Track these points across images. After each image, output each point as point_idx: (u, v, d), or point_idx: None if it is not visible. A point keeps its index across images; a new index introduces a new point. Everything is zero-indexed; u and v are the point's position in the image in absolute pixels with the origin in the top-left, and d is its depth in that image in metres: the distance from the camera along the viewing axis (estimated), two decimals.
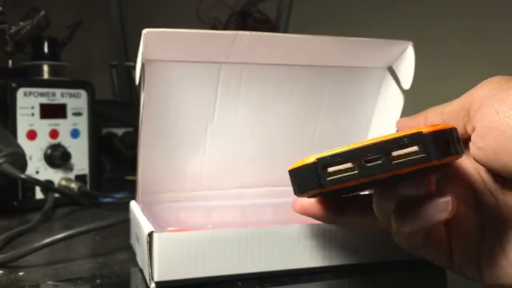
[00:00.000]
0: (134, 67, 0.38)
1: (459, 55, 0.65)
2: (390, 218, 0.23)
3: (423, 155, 0.20)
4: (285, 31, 0.88)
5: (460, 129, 0.24)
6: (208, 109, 0.39)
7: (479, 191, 0.25)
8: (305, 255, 0.31)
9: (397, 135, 0.20)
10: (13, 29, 0.64)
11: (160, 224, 0.33)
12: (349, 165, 0.21)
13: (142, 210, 0.34)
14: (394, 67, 0.41)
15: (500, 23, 0.63)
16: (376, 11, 0.77)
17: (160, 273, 0.28)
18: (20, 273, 0.32)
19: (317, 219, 0.29)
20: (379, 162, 0.20)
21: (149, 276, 0.29)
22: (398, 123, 0.30)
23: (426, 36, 0.63)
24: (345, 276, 0.32)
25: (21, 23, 0.65)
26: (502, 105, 0.22)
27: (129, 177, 0.70)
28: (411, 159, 0.20)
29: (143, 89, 0.35)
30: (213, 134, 0.40)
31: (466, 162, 0.26)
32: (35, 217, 0.46)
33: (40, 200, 0.53)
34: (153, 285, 0.29)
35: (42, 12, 0.66)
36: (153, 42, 0.33)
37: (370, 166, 0.20)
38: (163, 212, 0.39)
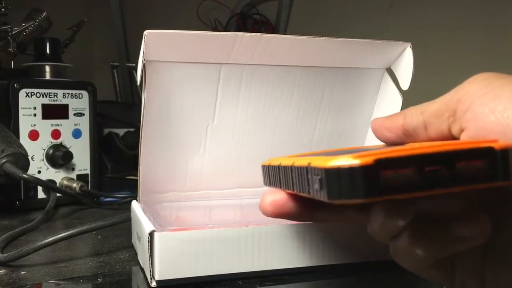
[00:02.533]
0: (135, 68, 0.39)
1: (458, 56, 0.65)
2: (391, 235, 0.20)
3: (492, 173, 0.17)
4: (284, 32, 0.88)
5: (443, 131, 0.23)
6: (209, 109, 0.39)
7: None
8: (305, 254, 0.31)
9: (465, 146, 0.18)
10: (16, 30, 0.65)
11: (161, 223, 0.33)
12: (409, 173, 0.17)
13: (143, 210, 0.35)
14: (393, 68, 0.41)
15: (500, 23, 0.63)
16: (375, 12, 0.77)
17: (161, 272, 0.29)
18: (22, 272, 0.32)
19: (290, 218, 0.25)
20: (445, 173, 0.17)
21: (150, 275, 0.29)
22: (373, 122, 0.27)
23: (424, 37, 0.64)
24: (345, 275, 0.32)
25: (23, 24, 0.66)
26: (499, 103, 0.20)
27: (130, 177, 0.71)
28: (476, 176, 0.17)
29: (144, 89, 0.35)
30: (214, 134, 0.40)
31: None
32: (37, 216, 0.46)
33: (42, 200, 0.53)
34: (154, 283, 0.29)
35: (44, 13, 0.66)
36: (154, 43, 0.34)
37: (430, 177, 0.17)
38: (164, 211, 0.39)
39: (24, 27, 0.65)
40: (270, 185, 0.26)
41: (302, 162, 0.20)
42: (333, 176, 0.18)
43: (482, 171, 0.18)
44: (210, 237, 0.29)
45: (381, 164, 0.17)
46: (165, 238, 0.29)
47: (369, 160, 0.17)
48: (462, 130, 0.22)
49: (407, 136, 0.24)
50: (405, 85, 0.39)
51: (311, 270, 0.31)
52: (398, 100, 0.41)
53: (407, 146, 0.18)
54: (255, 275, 0.30)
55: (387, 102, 0.42)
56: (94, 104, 0.58)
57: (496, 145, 0.18)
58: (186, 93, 0.38)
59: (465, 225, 0.19)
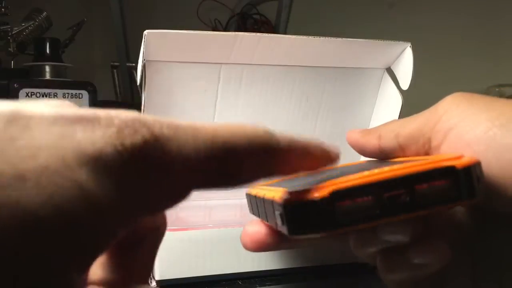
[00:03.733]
0: (135, 68, 0.39)
1: (458, 56, 0.65)
2: (373, 258, 0.20)
3: (455, 193, 0.16)
4: (284, 33, 0.88)
5: (421, 153, 0.22)
6: (209, 109, 0.39)
7: (465, 230, 0.22)
8: (305, 254, 0.31)
9: (425, 167, 0.17)
10: (16, 30, 0.65)
11: None
12: (368, 202, 0.16)
13: None
14: (393, 68, 0.41)
15: (500, 23, 0.63)
16: (375, 12, 0.77)
17: (161, 272, 0.29)
18: None
19: (272, 249, 0.24)
20: (406, 199, 0.16)
21: (150, 275, 0.29)
22: (348, 136, 0.26)
23: (424, 37, 0.64)
24: (345, 275, 0.32)
25: (23, 24, 0.66)
26: (472, 136, 0.19)
27: None
28: (438, 199, 0.16)
29: (145, 89, 0.35)
30: None
31: None
32: None
33: None
34: (154, 283, 0.29)
35: (44, 13, 0.66)
36: (154, 43, 0.34)
37: (393, 204, 0.16)
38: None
39: (24, 27, 0.65)
40: (253, 213, 0.25)
41: (272, 193, 0.19)
42: (290, 211, 0.17)
43: (445, 192, 0.16)
44: (210, 237, 0.29)
45: (337, 196, 0.16)
46: (165, 238, 0.29)
47: (324, 192, 0.16)
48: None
49: (384, 155, 0.24)
50: (405, 85, 0.40)
51: (311, 271, 0.31)
52: (398, 100, 0.41)
53: (365, 172, 0.17)
54: (255, 275, 0.30)
55: (387, 102, 0.42)
56: (94, 104, 0.58)
57: (457, 164, 0.17)
58: (186, 93, 0.38)
59: (421, 252, 0.18)
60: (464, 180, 0.16)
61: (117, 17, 0.79)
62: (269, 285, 0.30)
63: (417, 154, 0.22)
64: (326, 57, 0.40)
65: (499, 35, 0.62)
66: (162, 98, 0.38)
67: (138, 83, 0.36)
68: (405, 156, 0.23)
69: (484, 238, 0.21)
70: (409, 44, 0.39)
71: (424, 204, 0.16)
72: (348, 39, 0.37)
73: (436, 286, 0.22)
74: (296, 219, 0.17)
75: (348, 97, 0.43)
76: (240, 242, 0.24)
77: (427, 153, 0.22)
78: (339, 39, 0.37)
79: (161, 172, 0.12)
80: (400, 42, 0.38)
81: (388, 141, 0.23)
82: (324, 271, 0.32)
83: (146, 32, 0.33)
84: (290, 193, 0.17)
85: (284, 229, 0.17)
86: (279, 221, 0.18)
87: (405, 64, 0.39)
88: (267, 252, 0.30)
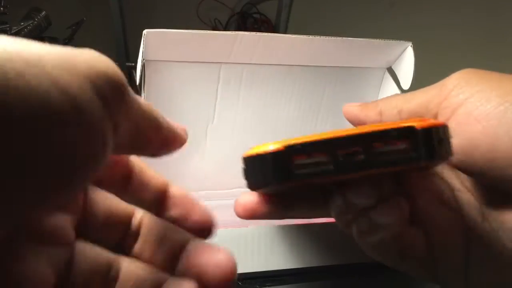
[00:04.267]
0: (134, 68, 0.38)
1: (459, 55, 0.65)
2: (348, 228, 0.21)
3: (413, 154, 0.17)
4: (284, 32, 0.88)
5: None
6: (209, 109, 0.39)
7: (464, 207, 0.22)
8: (306, 254, 0.31)
9: (384, 127, 0.17)
10: (14, 29, 0.65)
11: None
12: (322, 158, 0.17)
13: None
14: (394, 68, 0.41)
15: (502, 22, 0.63)
16: (376, 11, 0.77)
17: None
18: None
19: (263, 218, 0.25)
20: (360, 157, 0.17)
21: None
22: (345, 110, 0.25)
23: (425, 36, 0.64)
24: (345, 275, 0.32)
25: (22, 24, 0.65)
26: (483, 111, 0.19)
27: None
28: (399, 158, 0.17)
29: (144, 89, 0.35)
30: (213, 134, 0.40)
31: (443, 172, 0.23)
32: None
33: None
34: None
35: (43, 13, 0.66)
36: (154, 42, 0.34)
37: (347, 161, 0.17)
38: None
39: (23, 26, 0.65)
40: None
41: (249, 152, 0.19)
42: (248, 164, 0.18)
43: (402, 152, 0.17)
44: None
45: (292, 150, 0.17)
46: None
47: (280, 146, 0.17)
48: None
49: None
50: (406, 85, 0.39)
51: (311, 271, 0.31)
52: None
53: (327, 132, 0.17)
54: (255, 276, 0.30)
55: None
56: None
57: (417, 125, 0.17)
58: (185, 93, 0.38)
59: (381, 213, 0.19)
60: (422, 141, 0.17)
61: (117, 16, 0.78)
62: (269, 285, 0.30)
63: None
64: (327, 57, 0.40)
65: (501, 34, 0.62)
66: (162, 97, 0.37)
67: (137, 83, 0.36)
68: None
69: (487, 223, 0.21)
70: (410, 44, 0.39)
71: (380, 163, 0.17)
72: (349, 38, 0.37)
73: (427, 266, 0.22)
74: (254, 171, 0.18)
75: (349, 96, 0.43)
76: (234, 211, 0.25)
77: None
78: (340, 38, 0.37)
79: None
80: (401, 41, 0.38)
81: (390, 117, 0.22)
82: (324, 272, 0.31)
83: (145, 31, 0.33)
84: (251, 148, 0.18)
85: (247, 184, 0.19)
86: (243, 176, 0.19)
87: (406, 63, 0.39)
88: (267, 253, 0.30)
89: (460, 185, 0.22)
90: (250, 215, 0.24)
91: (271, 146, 0.17)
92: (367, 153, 0.17)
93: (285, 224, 0.31)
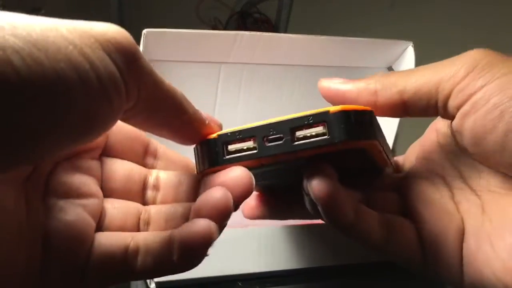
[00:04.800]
0: None
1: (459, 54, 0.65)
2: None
3: (326, 137, 0.18)
4: (285, 31, 0.88)
5: (429, 112, 0.21)
6: (208, 109, 0.39)
7: (457, 188, 0.22)
8: (305, 255, 0.31)
9: (303, 113, 0.19)
10: None
11: None
12: (250, 143, 0.19)
13: None
14: (394, 67, 0.41)
15: (500, 23, 0.63)
16: (376, 11, 0.77)
17: None
18: None
19: (265, 218, 0.27)
20: (280, 142, 0.19)
21: None
22: (322, 84, 0.23)
23: (426, 36, 0.63)
24: (346, 275, 0.32)
25: None
26: (504, 97, 0.18)
27: None
28: (313, 141, 0.18)
29: None
30: None
31: (440, 158, 0.23)
32: None
33: None
34: (153, 285, 0.29)
35: (43, 12, 0.66)
36: (153, 42, 0.33)
37: (270, 145, 0.19)
38: None
39: None
40: None
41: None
42: (196, 151, 0.21)
43: (321, 135, 0.18)
44: None
45: (224, 137, 0.20)
46: None
47: (214, 134, 0.20)
48: (457, 110, 0.20)
49: (378, 108, 0.22)
50: None
51: (311, 271, 0.31)
52: None
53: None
54: (254, 277, 0.30)
55: None
56: None
57: (331, 109, 0.18)
58: (185, 92, 0.38)
59: (307, 184, 0.20)
60: (336, 123, 0.18)
61: (116, 16, 0.78)
62: (269, 286, 0.30)
63: (425, 113, 0.21)
64: (327, 56, 0.39)
65: (502, 34, 0.62)
66: None
67: None
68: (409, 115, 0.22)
69: (478, 201, 0.21)
70: (411, 43, 0.39)
71: (299, 146, 0.18)
72: (349, 38, 0.37)
73: (411, 239, 0.22)
74: (199, 158, 0.21)
75: None
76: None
77: (438, 112, 0.21)
78: (340, 38, 0.37)
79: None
80: (402, 41, 0.38)
81: (387, 97, 0.21)
82: (324, 272, 0.31)
83: (145, 31, 0.33)
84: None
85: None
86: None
87: (406, 63, 0.39)
88: (267, 254, 0.30)
89: (462, 184, 0.22)
90: (252, 215, 0.25)
91: (210, 136, 0.20)
92: (287, 138, 0.19)
93: (286, 225, 0.30)
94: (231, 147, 0.20)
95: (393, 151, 0.42)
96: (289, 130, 0.19)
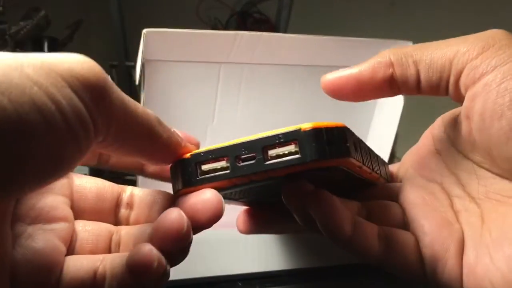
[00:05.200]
0: (134, 67, 0.38)
1: None
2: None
3: (298, 155, 0.17)
4: (285, 31, 0.88)
5: (441, 88, 0.20)
6: (208, 109, 0.39)
7: (455, 196, 0.22)
8: (305, 255, 0.31)
9: (274, 132, 0.18)
10: (13, 29, 0.65)
11: None
12: (223, 163, 0.19)
13: None
14: None
15: (502, 22, 0.63)
16: (376, 11, 0.77)
17: None
18: None
19: (261, 232, 0.26)
20: (252, 161, 0.18)
21: None
22: (329, 78, 0.23)
23: (426, 36, 0.63)
24: (346, 276, 0.32)
25: (21, 23, 0.65)
26: None
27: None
28: (285, 160, 0.18)
29: (143, 89, 0.35)
30: (213, 134, 0.40)
31: (438, 165, 0.22)
32: None
33: None
34: None
35: (42, 12, 0.66)
36: (153, 42, 0.33)
37: (243, 165, 0.18)
38: None
39: (22, 26, 0.65)
40: None
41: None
42: (172, 170, 0.20)
43: (293, 154, 0.18)
44: (210, 238, 0.29)
45: (196, 157, 0.19)
46: None
47: (187, 155, 0.19)
48: (466, 90, 0.19)
49: (391, 87, 0.21)
50: None
51: (311, 271, 0.31)
52: (399, 99, 0.40)
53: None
54: (254, 276, 0.30)
55: (388, 101, 0.42)
56: None
57: (303, 127, 0.18)
58: (185, 92, 0.38)
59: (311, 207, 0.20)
60: (307, 141, 0.17)
61: (116, 16, 0.78)
62: (269, 286, 0.30)
63: (437, 90, 0.20)
64: (327, 56, 0.39)
65: None
66: (161, 97, 0.37)
67: (137, 83, 0.36)
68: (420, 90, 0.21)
69: (477, 209, 0.21)
70: (411, 43, 0.38)
71: (271, 166, 0.18)
72: (349, 38, 0.37)
73: (411, 249, 0.22)
74: (173, 178, 0.20)
75: None
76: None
77: (448, 92, 0.20)
78: (340, 38, 0.37)
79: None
80: (402, 41, 0.38)
81: (403, 69, 0.20)
82: (324, 272, 0.31)
83: (145, 31, 0.33)
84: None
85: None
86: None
87: None
88: (267, 254, 0.30)
89: (461, 191, 0.22)
90: (246, 230, 0.25)
91: (183, 156, 0.19)
92: (259, 157, 0.18)
93: None
94: (205, 167, 0.19)
95: (393, 152, 0.42)
96: (261, 149, 0.18)
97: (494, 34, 0.19)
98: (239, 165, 0.18)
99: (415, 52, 0.21)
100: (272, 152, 0.18)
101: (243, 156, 0.18)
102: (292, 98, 0.41)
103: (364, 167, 0.21)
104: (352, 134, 0.19)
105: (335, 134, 0.18)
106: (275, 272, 0.31)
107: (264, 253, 0.30)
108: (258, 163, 0.18)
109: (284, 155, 0.18)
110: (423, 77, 0.21)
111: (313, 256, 0.31)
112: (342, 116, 0.43)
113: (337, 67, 0.41)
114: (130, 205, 0.21)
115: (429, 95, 0.21)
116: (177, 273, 0.29)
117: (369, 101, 0.46)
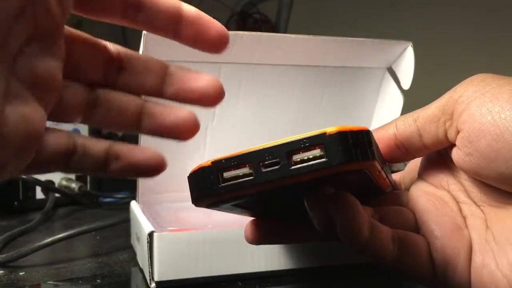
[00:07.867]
0: None
1: (459, 55, 0.65)
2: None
3: (324, 159, 0.17)
4: (284, 32, 0.88)
5: (439, 137, 0.22)
6: (208, 109, 0.39)
7: (462, 202, 0.23)
8: (305, 255, 0.31)
9: (299, 136, 0.18)
10: None
11: (160, 224, 0.33)
12: (246, 170, 0.18)
13: (143, 210, 0.35)
14: (394, 67, 0.41)
15: (501, 21, 0.63)
16: (376, 11, 0.77)
17: (160, 273, 0.28)
18: (21, 273, 0.32)
19: (271, 243, 0.27)
20: (277, 167, 0.18)
21: (150, 276, 0.29)
22: None
23: (425, 36, 0.63)
24: (346, 276, 0.32)
25: None
26: (496, 104, 0.20)
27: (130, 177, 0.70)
28: (311, 164, 0.17)
29: None
30: (213, 134, 0.40)
31: (444, 173, 0.24)
32: (36, 217, 0.46)
33: (40, 200, 0.53)
34: (153, 285, 0.29)
35: None
36: (153, 42, 0.33)
37: (267, 171, 0.18)
38: (164, 212, 0.39)
39: None
40: None
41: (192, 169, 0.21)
42: (190, 181, 0.20)
43: (318, 158, 0.17)
44: (210, 238, 0.29)
45: (218, 165, 0.19)
46: (165, 238, 0.28)
47: (208, 162, 0.19)
48: (457, 133, 0.22)
49: (399, 148, 0.24)
50: (406, 85, 0.39)
51: (311, 271, 0.31)
52: (399, 99, 0.40)
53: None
54: (254, 276, 0.30)
55: (388, 101, 0.42)
56: None
57: (328, 130, 0.17)
58: None
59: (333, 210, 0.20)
60: (333, 145, 0.17)
61: None
62: (269, 286, 0.30)
63: (435, 139, 0.23)
64: (327, 57, 0.39)
65: (503, 34, 0.62)
66: None
67: None
68: (424, 144, 0.23)
69: (482, 215, 0.22)
70: (410, 43, 0.39)
71: (296, 171, 0.18)
72: (349, 38, 0.37)
73: (423, 252, 0.22)
74: (194, 188, 0.20)
75: (349, 96, 0.42)
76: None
77: (446, 134, 0.22)
78: (340, 38, 0.37)
79: None
80: (401, 41, 0.38)
81: (405, 127, 0.23)
82: (324, 272, 0.31)
83: (145, 31, 0.33)
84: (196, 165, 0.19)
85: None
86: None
87: (406, 63, 0.39)
88: (267, 253, 0.30)
89: (466, 198, 0.23)
90: (255, 240, 0.25)
91: (203, 164, 0.19)
92: (284, 162, 0.18)
93: None
94: (227, 175, 0.19)
95: None
96: (286, 154, 0.18)
97: (473, 77, 0.22)
98: (263, 171, 0.18)
99: (416, 112, 0.23)
100: (296, 157, 0.18)
101: (267, 162, 0.18)
102: (292, 98, 0.41)
103: (382, 172, 0.21)
104: (374, 138, 0.19)
105: (360, 137, 0.18)
106: (275, 272, 0.31)
107: (264, 253, 0.30)
108: (283, 168, 0.18)
109: (309, 159, 0.18)
110: (422, 131, 0.23)
111: (313, 256, 0.31)
112: (342, 116, 0.43)
113: (337, 68, 0.41)
114: (119, 67, 0.21)
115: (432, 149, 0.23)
116: (177, 273, 0.29)
117: (369, 101, 0.46)
